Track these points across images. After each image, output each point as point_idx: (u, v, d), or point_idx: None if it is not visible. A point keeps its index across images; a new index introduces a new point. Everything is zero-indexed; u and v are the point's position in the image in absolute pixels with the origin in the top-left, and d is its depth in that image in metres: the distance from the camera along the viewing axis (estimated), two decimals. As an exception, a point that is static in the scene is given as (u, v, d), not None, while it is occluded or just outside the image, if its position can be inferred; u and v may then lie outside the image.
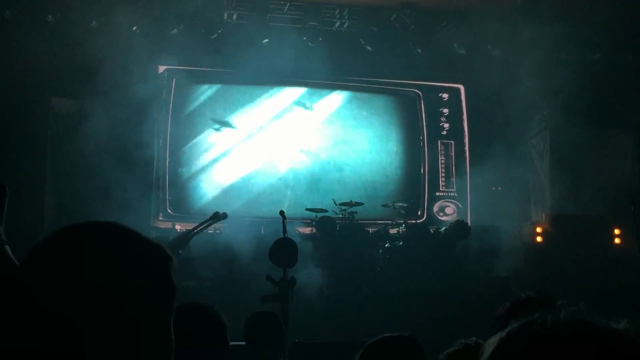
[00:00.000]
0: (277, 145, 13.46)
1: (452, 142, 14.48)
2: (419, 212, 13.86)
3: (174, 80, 13.26)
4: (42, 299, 1.10)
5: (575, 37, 12.17)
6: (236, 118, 13.52)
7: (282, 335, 4.30)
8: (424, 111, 14.43)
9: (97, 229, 1.21)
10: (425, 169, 14.26)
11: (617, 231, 11.61)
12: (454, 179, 14.28)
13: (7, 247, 1.79)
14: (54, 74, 11.55)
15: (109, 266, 1.14)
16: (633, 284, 10.72)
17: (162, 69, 13.13)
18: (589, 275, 10.61)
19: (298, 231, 11.73)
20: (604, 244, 11.56)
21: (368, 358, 2.24)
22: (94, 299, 1.10)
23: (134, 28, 11.50)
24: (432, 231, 12.43)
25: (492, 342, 0.91)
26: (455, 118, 14.58)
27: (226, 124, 13.46)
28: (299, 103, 13.90)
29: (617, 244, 11.59)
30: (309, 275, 9.94)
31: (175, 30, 12.09)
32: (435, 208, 14.18)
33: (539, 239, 11.67)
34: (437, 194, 14.28)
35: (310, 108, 13.94)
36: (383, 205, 13.03)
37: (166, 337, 1.19)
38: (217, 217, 10.94)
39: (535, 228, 11.82)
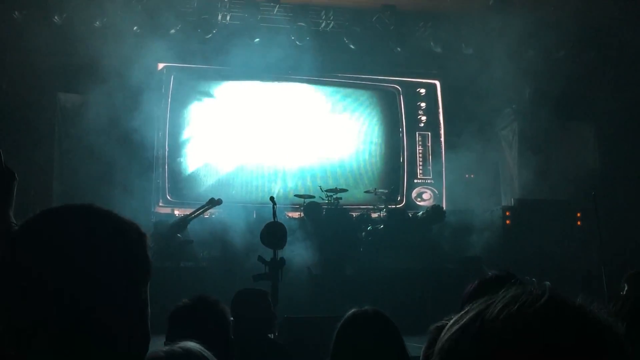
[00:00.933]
0: (269, 136, 13.46)
1: (429, 133, 14.54)
2: (399, 198, 13.93)
3: (172, 76, 13.24)
4: (25, 272, 1.12)
5: (542, 35, 12.22)
6: (230, 112, 13.51)
7: (271, 310, 4.31)
8: (403, 105, 14.48)
9: (73, 209, 1.22)
10: (404, 158, 14.33)
11: (579, 214, 11.70)
12: (430, 167, 14.35)
13: None
14: (60, 71, 11.51)
15: (84, 240, 1.16)
16: (593, 262, 10.86)
17: (161, 66, 13.08)
18: (553, 255, 10.72)
19: (287, 216, 11.76)
20: (568, 227, 11.66)
21: (344, 332, 2.30)
22: (73, 271, 1.12)
23: (135, 28, 11.46)
24: (410, 215, 12.50)
25: (443, 337, 0.89)
26: (431, 111, 14.64)
27: (220, 117, 13.45)
28: (288, 98, 13.90)
29: (579, 226, 11.69)
30: (297, 256, 10.00)
31: (173, 30, 12.05)
32: (414, 194, 14.26)
33: (508, 221, 11.73)
34: (415, 181, 14.36)
35: (299, 102, 13.94)
36: (365, 192, 13.11)
37: (140, 304, 1.20)
38: (213, 203, 10.95)
39: (505, 212, 11.87)
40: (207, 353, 1.55)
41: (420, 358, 2.06)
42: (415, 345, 2.33)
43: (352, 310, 2.37)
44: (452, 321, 0.90)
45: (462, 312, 0.89)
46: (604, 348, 0.80)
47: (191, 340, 1.59)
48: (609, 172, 12.79)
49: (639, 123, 12.52)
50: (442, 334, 0.90)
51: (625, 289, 5.17)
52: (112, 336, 1.14)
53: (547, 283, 0.88)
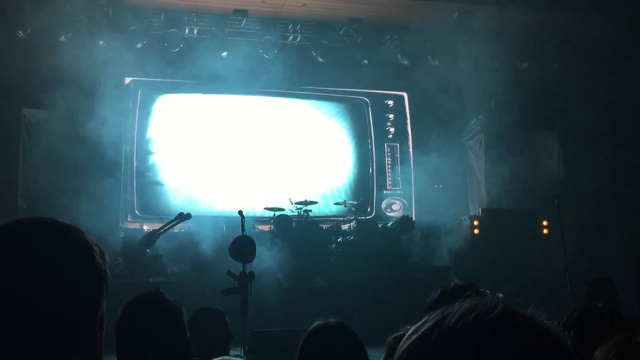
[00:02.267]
0: (238, 149, 13.44)
1: (398, 144, 14.66)
2: (368, 209, 14.00)
3: (140, 90, 13.16)
4: None
5: (506, 47, 12.43)
6: (197, 124, 13.46)
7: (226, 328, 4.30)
8: (372, 116, 14.59)
9: (36, 222, 1.22)
10: (373, 169, 14.42)
11: (545, 222, 11.89)
12: (399, 178, 14.46)
13: None
14: (25, 86, 11.36)
15: (48, 253, 1.16)
16: (557, 269, 11.04)
17: (128, 80, 13.01)
18: (520, 262, 10.88)
19: (257, 229, 11.74)
20: (534, 234, 11.85)
21: (308, 345, 2.32)
22: (37, 282, 1.12)
23: (101, 42, 11.36)
24: (380, 226, 12.59)
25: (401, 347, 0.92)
26: (399, 122, 14.78)
27: (189, 131, 13.39)
28: (257, 109, 13.90)
29: (544, 234, 11.88)
30: (267, 269, 9.98)
31: (140, 45, 11.98)
32: (383, 205, 14.35)
33: (476, 231, 11.88)
34: (385, 192, 14.45)
35: (267, 115, 13.95)
36: (335, 203, 13.17)
37: (101, 318, 1.21)
38: (182, 217, 10.90)
39: (473, 221, 12.02)
40: None
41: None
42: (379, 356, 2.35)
43: (316, 323, 2.39)
44: (410, 330, 0.93)
45: (421, 322, 0.93)
46: (550, 358, 0.85)
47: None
48: (572, 180, 13.03)
49: (601, 132, 12.80)
50: (401, 343, 0.93)
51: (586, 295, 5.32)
52: (74, 347, 1.15)
53: (501, 295, 0.92)
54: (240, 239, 7.54)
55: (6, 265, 1.13)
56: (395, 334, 2.01)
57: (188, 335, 2.42)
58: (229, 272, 7.25)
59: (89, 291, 1.19)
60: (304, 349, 2.30)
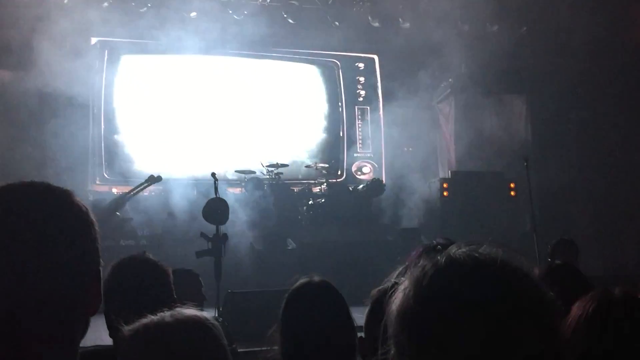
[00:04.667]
0: (208, 111, 13.31)
1: (368, 107, 14.67)
2: (339, 172, 14.05)
3: (106, 51, 12.88)
4: None
5: (477, 11, 12.43)
6: (167, 86, 13.26)
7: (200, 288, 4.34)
8: (342, 79, 14.55)
9: (33, 185, 1.23)
10: (344, 132, 14.44)
11: (512, 185, 12.07)
12: (370, 141, 14.51)
13: None
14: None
15: (49, 213, 1.17)
16: (524, 230, 11.27)
17: (94, 40, 12.70)
18: (488, 224, 11.06)
19: (228, 191, 11.71)
20: (502, 196, 12.03)
21: (293, 301, 2.34)
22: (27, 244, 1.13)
23: (66, 1, 11.04)
24: (350, 189, 12.65)
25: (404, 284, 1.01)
26: (370, 85, 14.76)
27: (157, 92, 13.19)
28: (227, 71, 13.75)
29: (512, 196, 12.07)
30: (240, 231, 10.00)
31: (105, 4, 11.69)
32: (354, 168, 14.41)
33: (445, 193, 12.01)
34: (355, 155, 14.51)
35: (238, 76, 13.81)
36: (306, 167, 13.19)
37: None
38: (152, 180, 10.82)
39: (443, 184, 12.14)
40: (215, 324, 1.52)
41: (364, 322, 2.14)
42: (357, 316, 2.40)
43: (301, 279, 2.42)
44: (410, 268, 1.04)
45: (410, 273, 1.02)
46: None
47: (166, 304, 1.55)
48: (540, 143, 13.22)
49: (569, 95, 12.95)
50: (408, 274, 1.03)
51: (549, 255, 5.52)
52: (90, 302, 1.20)
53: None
54: (214, 201, 7.53)
55: (6, 234, 1.13)
56: (378, 287, 2.06)
57: (175, 297, 2.44)
58: (202, 234, 7.25)
59: (91, 251, 1.21)
60: (289, 306, 2.33)
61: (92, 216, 1.23)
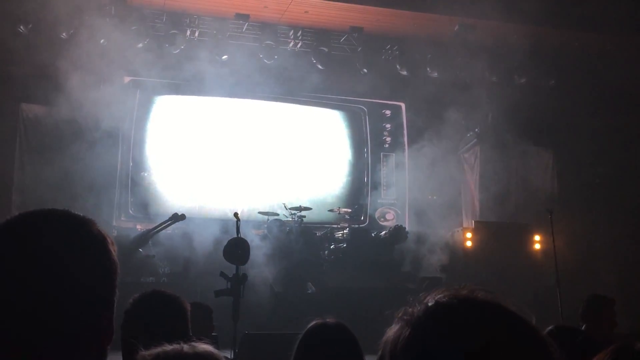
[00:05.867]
0: (235, 153, 13.45)
1: (393, 154, 14.70)
2: (362, 217, 14.02)
3: (139, 90, 13.15)
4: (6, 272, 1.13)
5: (504, 63, 12.51)
6: (195, 126, 13.47)
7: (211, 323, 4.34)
8: (369, 125, 14.63)
9: (53, 213, 1.25)
10: (368, 178, 14.46)
11: (537, 237, 11.92)
12: (394, 188, 14.49)
13: None
14: (24, 81, 11.35)
15: (67, 243, 1.19)
16: (548, 284, 11.05)
17: (127, 79, 12.99)
18: (511, 276, 10.88)
19: (252, 232, 11.73)
20: (526, 249, 11.88)
21: (306, 342, 2.33)
22: (56, 273, 1.14)
23: (102, 41, 11.35)
24: (373, 235, 12.60)
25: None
26: (396, 132, 14.83)
27: (185, 132, 13.39)
28: (255, 114, 13.93)
29: (537, 250, 11.90)
30: (260, 273, 9.97)
31: (141, 44, 11.97)
32: (377, 214, 14.37)
33: (468, 243, 11.90)
34: (379, 201, 14.48)
35: (266, 120, 13.98)
36: (329, 211, 13.17)
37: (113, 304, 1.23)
38: (176, 218, 10.89)
39: (465, 233, 12.04)
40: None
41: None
42: (373, 364, 2.38)
43: (315, 321, 2.41)
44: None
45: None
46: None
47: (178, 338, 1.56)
48: (566, 196, 13.08)
49: (596, 149, 12.86)
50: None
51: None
52: (102, 332, 1.19)
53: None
54: (235, 241, 7.54)
55: (24, 258, 1.14)
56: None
57: (190, 333, 2.45)
58: (222, 274, 7.24)
59: (105, 281, 1.22)
60: (302, 347, 2.31)
61: (112, 246, 1.24)
